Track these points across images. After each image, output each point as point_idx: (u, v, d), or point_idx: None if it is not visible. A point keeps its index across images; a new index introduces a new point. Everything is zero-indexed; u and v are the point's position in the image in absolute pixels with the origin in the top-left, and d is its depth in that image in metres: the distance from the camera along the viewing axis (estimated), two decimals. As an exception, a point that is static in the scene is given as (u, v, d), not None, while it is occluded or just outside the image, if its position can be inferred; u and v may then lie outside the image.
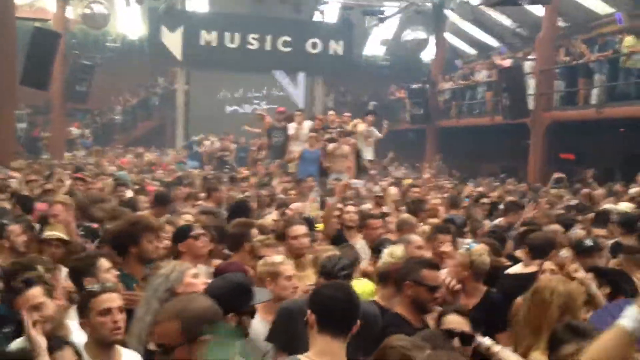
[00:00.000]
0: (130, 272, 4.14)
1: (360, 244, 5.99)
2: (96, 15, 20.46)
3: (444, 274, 4.33)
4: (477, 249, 4.63)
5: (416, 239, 5.12)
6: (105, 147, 20.76)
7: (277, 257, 4.13)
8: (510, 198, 9.85)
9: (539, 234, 5.54)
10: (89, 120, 23.63)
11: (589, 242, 5.26)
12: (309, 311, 2.69)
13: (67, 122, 21.35)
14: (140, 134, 24.36)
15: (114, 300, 3.10)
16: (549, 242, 5.19)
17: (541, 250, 5.04)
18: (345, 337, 2.63)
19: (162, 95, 25.21)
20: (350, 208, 6.71)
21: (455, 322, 3.24)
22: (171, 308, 2.49)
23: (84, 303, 3.09)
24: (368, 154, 13.69)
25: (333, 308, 2.66)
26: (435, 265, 3.87)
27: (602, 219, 7.20)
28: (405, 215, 6.71)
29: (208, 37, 23.86)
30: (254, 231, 5.31)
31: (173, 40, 23.43)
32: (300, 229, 4.96)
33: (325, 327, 2.64)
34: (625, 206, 8.64)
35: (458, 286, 4.37)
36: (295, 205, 7.58)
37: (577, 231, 6.80)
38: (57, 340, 2.85)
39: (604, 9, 18.44)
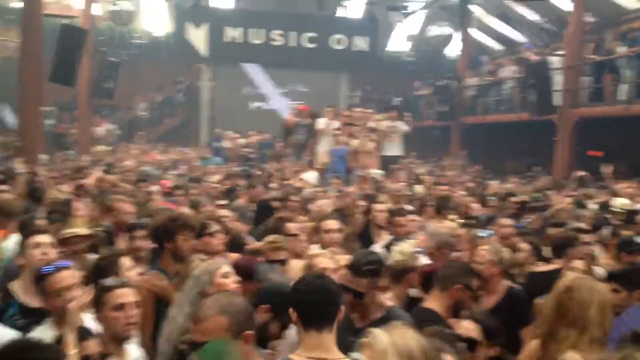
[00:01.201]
0: (164, 267, 4.19)
1: (386, 241, 5.96)
2: (122, 12, 20.68)
3: None
4: (497, 245, 4.66)
5: None
6: (130, 144, 20.94)
7: (314, 249, 4.16)
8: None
9: (559, 231, 5.54)
10: (115, 117, 23.83)
11: (638, 240, 5.22)
12: (290, 309, 2.69)
13: (94, 118, 21.56)
14: (165, 131, 24.54)
15: (128, 295, 3.12)
16: (570, 239, 5.18)
17: (562, 247, 5.03)
18: (330, 327, 2.62)
19: (187, 92, 25.37)
20: (381, 206, 6.70)
21: (467, 328, 3.28)
22: (215, 304, 2.47)
23: (99, 298, 3.11)
24: (394, 150, 13.59)
25: (309, 303, 2.65)
26: (478, 275, 4.07)
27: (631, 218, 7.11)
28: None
29: (233, 33, 23.98)
30: (291, 225, 5.35)
31: (198, 37, 23.59)
32: (333, 224, 5.07)
33: (307, 322, 2.63)
34: (621, 202, 8.55)
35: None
36: (321, 203, 7.59)
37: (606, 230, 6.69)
38: (84, 331, 2.87)
39: (633, 4, 18.11)
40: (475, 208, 8.25)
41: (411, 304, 4.09)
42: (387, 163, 13.08)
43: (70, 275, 3.31)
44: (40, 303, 3.46)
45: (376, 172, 11.27)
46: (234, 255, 4.94)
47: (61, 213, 5.75)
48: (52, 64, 15.73)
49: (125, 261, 3.91)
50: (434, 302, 3.78)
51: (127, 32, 23.18)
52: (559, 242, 5.20)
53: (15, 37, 15.97)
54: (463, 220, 6.49)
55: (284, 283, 3.38)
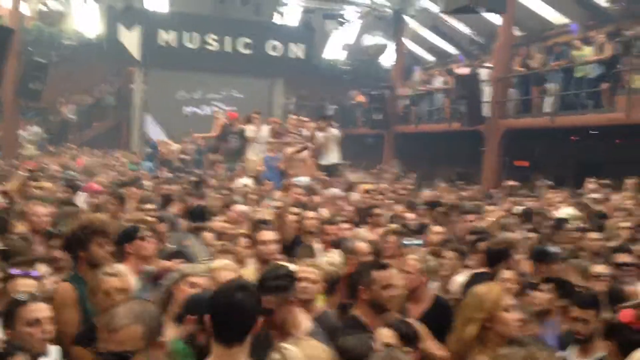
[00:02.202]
0: (82, 274, 4.02)
1: (316, 248, 5.97)
2: (52, 12, 20.13)
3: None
4: (423, 253, 4.73)
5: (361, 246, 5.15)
6: (59, 147, 20.35)
7: (218, 262, 4.09)
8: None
9: (497, 240, 5.59)
10: (42, 120, 23.07)
11: (551, 250, 5.33)
12: (207, 315, 2.63)
13: (20, 121, 20.83)
14: (95, 134, 23.94)
15: (43, 310, 3.01)
16: (507, 249, 5.26)
17: (498, 257, 5.10)
18: (240, 342, 2.58)
19: (118, 95, 24.84)
20: (311, 214, 6.72)
21: (384, 335, 3.29)
22: (130, 313, 2.42)
23: (10, 312, 2.98)
24: (331, 159, 13.57)
25: (227, 317, 2.60)
26: (384, 265, 3.91)
27: (559, 226, 7.36)
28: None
29: (166, 36, 23.64)
30: (206, 234, 5.28)
31: (130, 39, 23.12)
32: (269, 234, 4.98)
33: (220, 334, 2.59)
34: (566, 211, 8.87)
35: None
36: (239, 209, 7.52)
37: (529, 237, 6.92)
38: (11, 346, 2.75)
39: (559, 19, 18.83)
40: (409, 216, 8.37)
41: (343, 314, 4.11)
42: (326, 171, 13.09)
43: None
44: None
45: (303, 180, 11.23)
46: (167, 263, 4.86)
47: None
48: (-25, 64, 15.14)
49: (41, 268, 3.78)
50: (356, 309, 3.80)
51: (56, 33, 22.48)
52: (495, 253, 5.21)
53: None
54: (391, 228, 6.56)
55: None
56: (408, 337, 3.32)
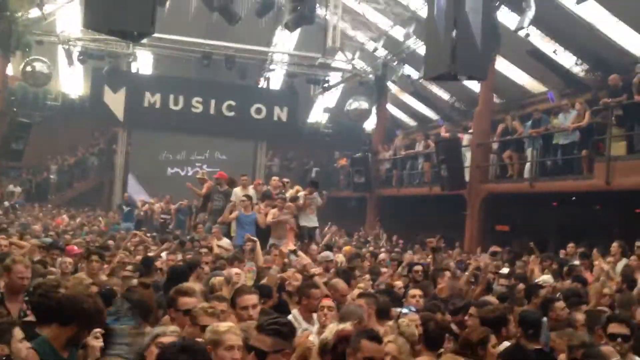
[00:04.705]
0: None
1: (294, 313, 5.84)
2: (37, 73, 20.22)
3: None
4: (403, 321, 4.68)
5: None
6: (38, 207, 20.18)
7: (223, 325, 4.01)
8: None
9: (492, 308, 5.53)
10: (22, 179, 22.95)
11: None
12: None
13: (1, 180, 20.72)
14: (76, 194, 23.81)
15: None
16: (502, 317, 5.23)
17: (494, 325, 5.04)
18: None
19: (101, 156, 24.83)
20: (296, 275, 6.70)
21: None
22: None
23: None
24: (310, 222, 13.56)
25: None
26: (376, 337, 3.78)
27: (532, 292, 7.33)
28: (335, 281, 6.68)
29: (152, 98, 23.85)
30: (187, 300, 5.17)
31: (115, 101, 23.30)
32: (251, 299, 4.88)
33: None
34: (545, 278, 8.86)
35: None
36: (228, 272, 7.39)
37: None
38: None
39: (536, 88, 19.26)
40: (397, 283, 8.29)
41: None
42: (304, 233, 13.05)
43: None
44: None
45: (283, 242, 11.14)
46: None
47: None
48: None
49: (18, 333, 3.68)
50: None
51: (41, 93, 22.60)
52: (492, 320, 5.16)
53: None
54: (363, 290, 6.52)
55: None
56: None
